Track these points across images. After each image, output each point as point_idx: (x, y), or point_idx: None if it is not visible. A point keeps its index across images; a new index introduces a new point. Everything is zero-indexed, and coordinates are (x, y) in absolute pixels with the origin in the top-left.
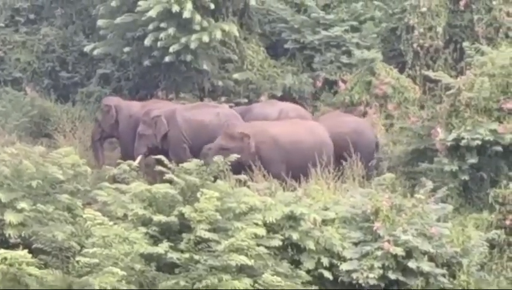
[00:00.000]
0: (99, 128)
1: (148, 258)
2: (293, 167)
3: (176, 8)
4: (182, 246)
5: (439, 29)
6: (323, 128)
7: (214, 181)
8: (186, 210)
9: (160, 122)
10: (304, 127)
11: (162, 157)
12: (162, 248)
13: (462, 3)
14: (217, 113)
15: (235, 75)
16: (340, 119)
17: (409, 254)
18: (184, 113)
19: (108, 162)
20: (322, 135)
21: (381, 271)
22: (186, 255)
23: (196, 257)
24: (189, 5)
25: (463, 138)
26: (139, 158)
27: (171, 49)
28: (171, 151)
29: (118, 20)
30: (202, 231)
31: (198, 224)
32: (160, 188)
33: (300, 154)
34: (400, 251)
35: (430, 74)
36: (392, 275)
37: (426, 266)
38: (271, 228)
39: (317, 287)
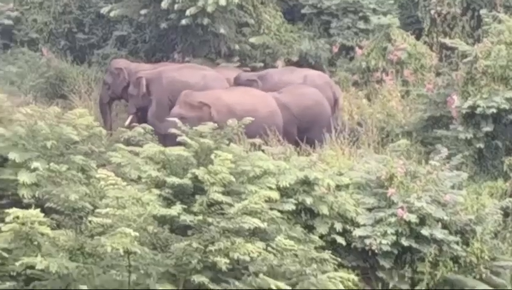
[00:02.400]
0: (108, 90)
1: (161, 220)
2: (247, 136)
3: None
4: (195, 208)
5: None
6: (272, 98)
7: (228, 144)
8: (200, 172)
9: (141, 83)
10: (257, 96)
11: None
12: (175, 210)
13: None
14: (203, 75)
15: (252, 39)
16: (302, 91)
17: (423, 221)
18: (169, 74)
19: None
20: (273, 104)
21: (394, 238)
22: (199, 217)
23: (209, 219)
24: None
25: (479, 106)
26: (129, 118)
27: (187, 12)
28: (152, 111)
29: None
30: (215, 194)
31: (212, 186)
32: (174, 151)
33: (254, 124)
34: (413, 218)
35: (447, 41)
36: (405, 242)
37: (439, 234)
38: (285, 192)
39: (329, 252)
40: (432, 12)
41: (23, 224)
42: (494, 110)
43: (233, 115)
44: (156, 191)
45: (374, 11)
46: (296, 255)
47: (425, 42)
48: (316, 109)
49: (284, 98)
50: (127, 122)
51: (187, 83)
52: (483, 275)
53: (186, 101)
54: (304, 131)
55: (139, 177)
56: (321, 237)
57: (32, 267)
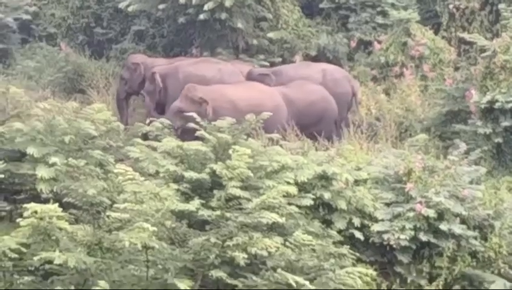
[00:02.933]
0: (125, 86)
1: (179, 215)
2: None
3: None
4: (213, 203)
5: None
6: (277, 93)
7: (246, 139)
8: (218, 167)
9: (156, 78)
10: (262, 91)
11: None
12: (193, 205)
13: None
14: (218, 69)
15: (270, 34)
16: (308, 87)
17: (441, 216)
18: (186, 69)
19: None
20: (278, 99)
21: (412, 233)
22: (217, 212)
23: (227, 214)
24: None
25: (497, 101)
26: (149, 119)
27: (205, 7)
28: (169, 105)
29: None
30: (233, 189)
31: (230, 181)
32: (192, 145)
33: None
34: (431, 213)
35: (465, 35)
36: (423, 237)
37: (458, 229)
38: (303, 187)
39: (347, 247)
40: (451, 6)
41: (41, 219)
42: None
43: (238, 110)
44: (174, 186)
45: (393, 5)
46: (314, 250)
47: (443, 37)
48: (321, 104)
49: (289, 93)
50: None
51: (203, 77)
52: (502, 270)
53: (188, 95)
54: (310, 126)
55: (157, 172)
56: (339, 232)
57: (50, 262)
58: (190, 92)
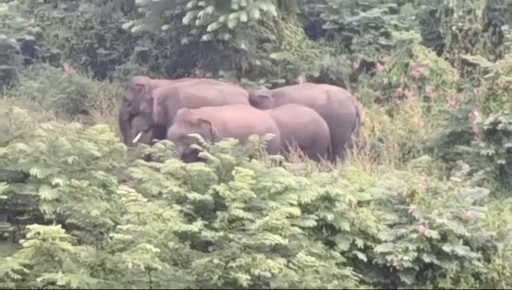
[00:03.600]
0: (128, 107)
1: (182, 236)
2: None
3: None
4: (216, 224)
5: (479, 13)
6: (268, 115)
7: (249, 161)
8: (221, 188)
9: (152, 103)
10: (252, 113)
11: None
12: (197, 226)
13: None
14: (220, 90)
15: (273, 55)
16: (299, 110)
17: (444, 237)
18: (186, 90)
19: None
20: (270, 121)
21: (415, 254)
22: (220, 233)
23: (230, 235)
24: None
25: (500, 122)
26: (139, 135)
27: (209, 28)
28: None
29: None
30: (237, 210)
31: (233, 202)
32: (195, 166)
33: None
34: (435, 234)
35: (468, 57)
36: (426, 258)
37: (461, 250)
38: (306, 208)
39: (351, 269)
40: (454, 28)
41: (44, 240)
42: None
43: (229, 132)
44: (177, 207)
45: (396, 27)
46: (317, 272)
47: (446, 58)
48: (312, 126)
49: (280, 115)
50: (135, 139)
51: (205, 98)
52: None
53: (185, 120)
54: (304, 148)
55: (160, 193)
56: (342, 253)
57: (53, 283)
58: (186, 117)
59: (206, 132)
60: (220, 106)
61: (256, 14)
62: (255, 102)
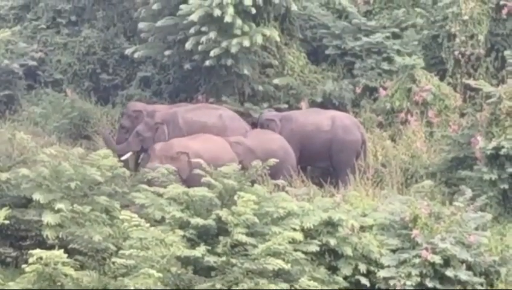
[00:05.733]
0: (125, 134)
1: (185, 261)
2: None
3: (217, 12)
4: (219, 249)
5: (481, 38)
6: (230, 146)
7: (252, 186)
8: (224, 213)
9: (162, 130)
10: (218, 142)
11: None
12: (199, 251)
13: (504, 11)
14: (219, 115)
15: (276, 80)
16: (267, 136)
17: (447, 262)
18: (186, 115)
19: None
20: (234, 151)
21: (418, 279)
22: (223, 258)
23: (233, 260)
24: (230, 10)
25: (503, 147)
26: (129, 154)
27: (211, 53)
28: None
29: (159, 23)
30: (239, 235)
31: (236, 227)
32: (198, 191)
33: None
34: (437, 259)
35: (471, 82)
36: (429, 283)
37: (464, 275)
38: (308, 233)
39: None
40: (456, 53)
41: (46, 265)
42: None
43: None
44: (180, 232)
45: (398, 52)
46: None
47: (449, 83)
48: (280, 153)
49: (249, 142)
50: (124, 157)
51: (205, 123)
52: None
53: (165, 155)
54: (271, 175)
55: (163, 218)
56: (345, 278)
57: None
58: (167, 151)
59: (185, 163)
60: (218, 131)
61: (259, 40)
62: (263, 125)
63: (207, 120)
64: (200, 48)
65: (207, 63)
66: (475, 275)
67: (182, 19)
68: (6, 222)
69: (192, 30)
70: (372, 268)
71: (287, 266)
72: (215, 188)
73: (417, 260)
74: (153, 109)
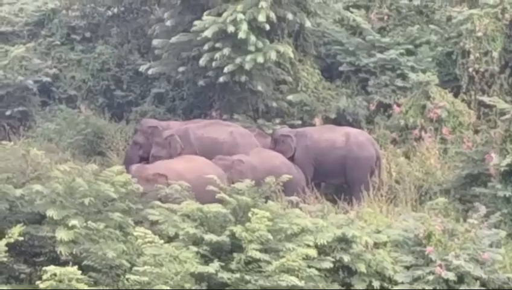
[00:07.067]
0: (139, 150)
1: (198, 277)
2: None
3: (231, 29)
4: (233, 265)
5: (495, 54)
6: (215, 165)
7: (266, 202)
8: (238, 230)
9: (175, 141)
10: (202, 162)
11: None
12: (213, 267)
13: None
14: (230, 131)
15: (290, 97)
16: (266, 154)
17: (461, 279)
18: (197, 131)
19: None
20: (219, 171)
21: None
22: (237, 275)
23: (247, 277)
24: (244, 26)
25: None
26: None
27: (225, 70)
28: None
29: (173, 39)
30: (253, 251)
31: (250, 244)
32: (212, 208)
33: (203, 189)
34: (451, 276)
35: (485, 98)
36: None
37: None
38: (322, 250)
39: None
40: (470, 70)
41: (60, 281)
42: None
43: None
44: (194, 249)
45: (412, 68)
46: None
47: (463, 100)
48: (283, 169)
49: (252, 160)
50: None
51: (216, 139)
52: None
53: (141, 176)
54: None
55: (177, 235)
56: None
57: None
58: (142, 173)
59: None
60: (229, 148)
61: (273, 56)
62: (278, 141)
63: (218, 136)
64: (214, 64)
65: (221, 79)
66: None
67: (196, 36)
68: (20, 238)
69: (206, 46)
70: (386, 285)
71: (301, 283)
72: (229, 204)
73: (431, 277)
74: (166, 125)
